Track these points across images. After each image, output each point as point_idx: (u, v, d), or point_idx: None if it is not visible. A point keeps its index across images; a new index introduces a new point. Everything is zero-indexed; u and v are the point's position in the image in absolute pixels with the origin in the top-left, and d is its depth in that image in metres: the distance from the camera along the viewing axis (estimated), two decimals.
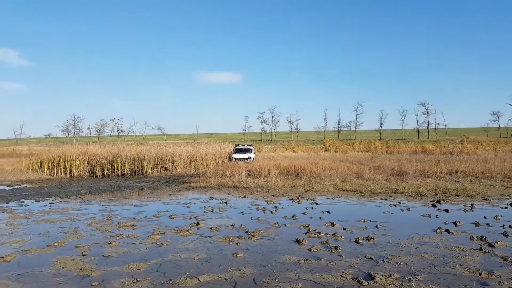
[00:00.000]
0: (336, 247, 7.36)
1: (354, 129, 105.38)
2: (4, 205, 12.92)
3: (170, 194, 15.33)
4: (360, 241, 7.85)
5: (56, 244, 7.82)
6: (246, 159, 28.51)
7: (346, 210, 11.58)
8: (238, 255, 6.98)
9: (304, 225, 9.31)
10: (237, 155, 28.97)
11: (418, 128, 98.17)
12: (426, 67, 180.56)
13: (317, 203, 12.55)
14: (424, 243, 7.74)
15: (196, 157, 27.05)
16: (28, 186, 19.00)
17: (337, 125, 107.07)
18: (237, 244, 7.80)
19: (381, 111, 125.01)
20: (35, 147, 62.97)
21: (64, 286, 5.56)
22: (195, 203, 12.99)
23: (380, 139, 68.92)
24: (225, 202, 12.98)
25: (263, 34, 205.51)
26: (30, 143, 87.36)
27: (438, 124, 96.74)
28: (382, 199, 13.47)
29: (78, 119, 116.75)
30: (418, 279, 5.69)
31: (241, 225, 9.39)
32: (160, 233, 8.70)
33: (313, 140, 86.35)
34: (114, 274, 6.06)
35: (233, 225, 9.46)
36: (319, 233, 8.52)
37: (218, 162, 27.43)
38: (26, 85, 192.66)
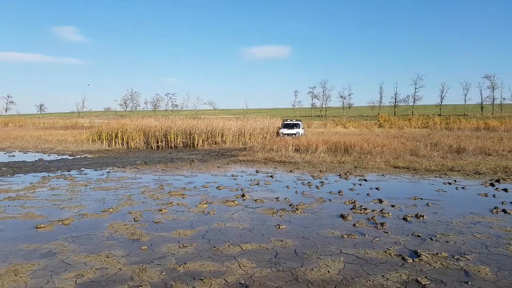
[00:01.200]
0: (382, 224, 7.14)
1: (412, 104, 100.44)
2: (66, 173, 13.98)
3: (218, 167, 15.69)
4: (408, 219, 7.54)
5: (111, 210, 8.34)
6: (294, 134, 27.90)
7: (396, 188, 11.15)
8: (280, 227, 7.01)
9: (350, 201, 9.11)
10: (285, 130, 28.54)
11: (481, 103, 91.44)
12: (493, 36, 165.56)
13: (365, 180, 12.21)
14: (477, 223, 7.27)
15: (244, 131, 27.31)
16: (88, 156, 20.36)
17: (394, 100, 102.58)
18: (280, 216, 7.83)
19: (442, 84, 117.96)
20: (95, 120, 67.01)
21: (115, 248, 5.93)
22: (241, 176, 13.19)
23: (439, 115, 65.12)
24: (271, 176, 13.03)
25: (313, 4, 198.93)
26: (91, 116, 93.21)
27: (504, 99, 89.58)
28: (436, 177, 12.79)
29: (135, 94, 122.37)
30: (467, 259, 5.37)
31: (285, 199, 9.40)
32: (208, 203, 8.97)
33: (367, 116, 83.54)
34: (162, 239, 6.36)
35: (277, 198, 9.49)
36: (366, 209, 8.30)
37: (265, 137, 27.51)
38: (86, 61, 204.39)
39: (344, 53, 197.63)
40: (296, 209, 8.33)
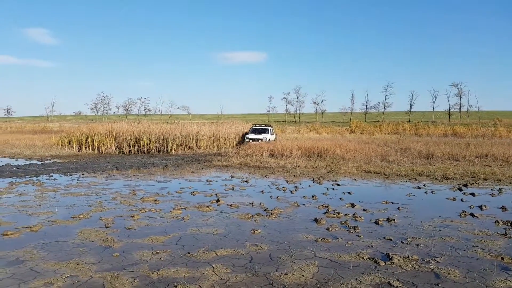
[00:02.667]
0: (355, 227, 7.29)
1: (382, 110, 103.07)
2: (34, 178, 13.49)
3: (193, 172, 15.56)
4: (380, 222, 7.74)
5: (81, 216, 8.12)
6: (261, 139, 25.96)
7: (368, 192, 11.41)
8: (255, 232, 7.03)
9: (324, 205, 9.25)
10: (252, 135, 26.67)
11: (449, 110, 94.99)
12: (460, 46, 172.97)
13: (338, 184, 12.43)
14: (446, 226, 7.55)
15: (219, 136, 27.22)
16: (57, 161, 19.72)
17: (365, 106, 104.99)
18: (255, 221, 7.86)
19: (412, 92, 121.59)
20: (65, 124, 65.10)
21: (86, 255, 5.77)
22: (216, 181, 13.14)
23: (409, 121, 67.07)
24: (246, 181, 13.05)
25: (288, 12, 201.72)
26: (60, 120, 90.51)
27: (471, 106, 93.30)
28: (406, 181, 13.19)
29: (107, 98, 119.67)
30: (437, 261, 5.57)
31: (260, 203, 9.44)
32: (182, 208, 8.88)
33: (339, 122, 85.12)
34: (135, 246, 6.25)
35: (252, 203, 9.52)
36: (339, 213, 8.45)
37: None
38: (57, 63, 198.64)
39: (318, 60, 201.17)
40: (271, 213, 8.38)
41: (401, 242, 6.52)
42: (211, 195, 10.61)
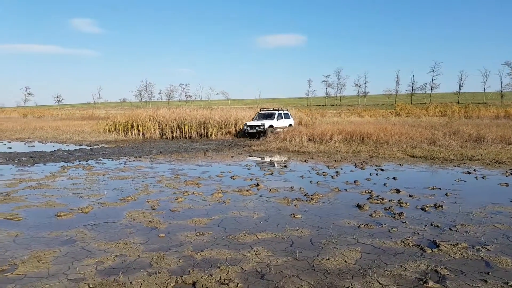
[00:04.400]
0: (399, 214, 7.06)
1: (429, 92, 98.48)
2: (84, 162, 14.23)
3: (232, 156, 15.74)
4: (426, 209, 7.44)
5: (129, 198, 8.47)
6: (258, 126, 22.83)
7: (414, 177, 11.00)
8: (296, 216, 7.01)
9: (367, 191, 9.03)
10: (251, 122, 23.70)
11: (502, 91, 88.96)
12: None
13: (382, 170, 12.07)
14: (498, 213, 7.12)
15: None
16: (105, 146, 20.67)
17: (410, 88, 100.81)
18: (295, 206, 7.83)
19: (461, 72, 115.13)
20: (111, 111, 67.90)
21: (134, 236, 6.03)
22: (255, 166, 13.20)
23: (458, 103, 63.74)
24: (285, 166, 13.01)
25: None
26: (107, 107, 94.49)
27: None
28: (455, 166, 12.56)
29: (150, 85, 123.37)
30: (488, 249, 5.28)
31: (300, 188, 9.38)
32: (222, 192, 9.02)
33: (383, 105, 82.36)
34: (179, 227, 6.43)
35: (292, 187, 9.48)
36: (383, 199, 8.22)
37: None
38: (102, 52, 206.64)
39: (360, 41, 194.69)
40: (311, 198, 8.31)
41: (449, 229, 6.24)
42: (251, 179, 10.68)
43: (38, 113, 65.75)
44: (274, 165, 13.32)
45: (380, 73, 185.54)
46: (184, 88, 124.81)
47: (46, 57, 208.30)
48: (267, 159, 14.84)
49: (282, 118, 24.63)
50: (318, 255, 5.18)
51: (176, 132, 26.44)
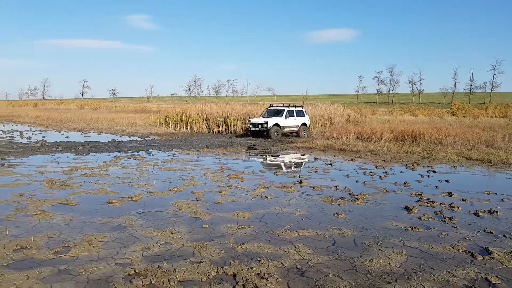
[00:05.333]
0: (450, 218, 6.68)
1: (489, 91, 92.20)
2: (136, 153, 14.89)
3: (276, 152, 15.72)
4: (480, 214, 6.98)
5: (175, 189, 8.74)
6: (261, 124, 20.23)
7: (468, 181, 10.36)
8: (339, 216, 6.86)
9: (417, 193, 8.63)
10: (255, 119, 21.30)
11: None
12: None
13: (434, 171, 11.49)
14: None
15: None
16: (155, 138, 21.48)
17: (469, 87, 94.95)
18: (339, 205, 7.66)
19: None
20: (162, 105, 70.38)
21: (179, 225, 6.21)
22: (299, 162, 13.09)
23: None
24: (330, 164, 12.77)
25: None
26: (158, 101, 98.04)
27: None
28: None
29: (199, 80, 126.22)
30: None
31: (345, 187, 9.16)
32: (265, 187, 9.04)
33: (438, 103, 78.30)
34: (222, 219, 6.54)
35: (336, 186, 9.28)
36: (433, 202, 7.82)
37: (325, 124, 26.90)
38: (156, 48, 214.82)
39: (415, 36, 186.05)
40: (357, 198, 8.09)
41: (504, 236, 5.81)
42: (294, 176, 10.61)
43: (94, 105, 69.74)
44: (319, 162, 13.12)
45: (436, 70, 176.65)
46: (231, 84, 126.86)
47: (103, 52, 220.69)
48: (312, 156, 14.66)
49: (293, 116, 21.49)
50: (361, 256, 5.04)
51: (222, 127, 26.86)
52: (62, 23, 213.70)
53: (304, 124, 22.18)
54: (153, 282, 4.24)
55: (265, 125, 20.24)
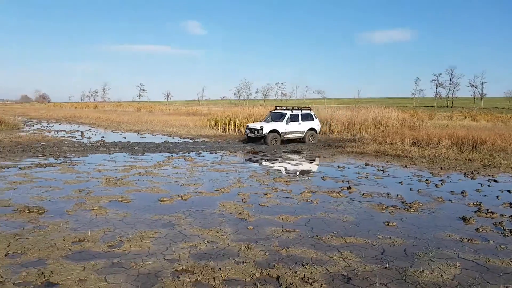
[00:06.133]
0: (511, 231, 6.18)
1: None
2: (186, 154, 15.37)
3: (324, 157, 15.48)
4: None
5: (222, 190, 8.91)
6: (257, 130, 18.52)
7: None
8: (390, 224, 6.60)
9: (475, 203, 8.09)
10: (253, 125, 19.66)
11: None
12: None
13: (496, 181, 10.69)
14: None
15: (355, 122, 26.24)
16: (205, 140, 22.04)
17: None
18: (390, 213, 7.37)
19: None
20: (213, 108, 71.98)
21: (225, 225, 6.33)
22: (348, 168, 12.78)
23: None
24: (382, 170, 12.33)
25: None
26: (209, 104, 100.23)
27: None
28: None
29: (248, 84, 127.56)
30: None
31: (397, 195, 8.80)
32: (311, 192, 8.93)
33: (503, 108, 72.75)
34: (267, 222, 6.56)
35: (388, 194, 8.94)
36: (493, 213, 7.28)
37: (378, 128, 26.02)
38: (207, 53, 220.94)
39: (477, 36, 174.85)
40: (410, 207, 7.74)
41: None
42: (342, 181, 10.37)
43: (149, 108, 72.94)
44: (370, 168, 12.72)
45: (501, 73, 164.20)
46: (280, 87, 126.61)
47: (159, 57, 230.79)
48: (363, 161, 14.25)
49: (298, 121, 19.46)
50: (411, 266, 4.82)
51: None
52: (122, 29, 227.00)
53: (312, 129, 20.07)
54: (199, 279, 4.35)
55: (260, 131, 18.37)
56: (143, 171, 11.25)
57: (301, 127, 19.58)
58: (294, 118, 19.41)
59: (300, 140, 19.97)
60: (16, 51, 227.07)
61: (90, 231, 5.88)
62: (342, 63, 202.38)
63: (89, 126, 32.55)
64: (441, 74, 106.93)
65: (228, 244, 5.47)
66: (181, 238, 5.68)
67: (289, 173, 11.51)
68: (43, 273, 4.36)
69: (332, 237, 5.86)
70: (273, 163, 13.62)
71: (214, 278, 4.36)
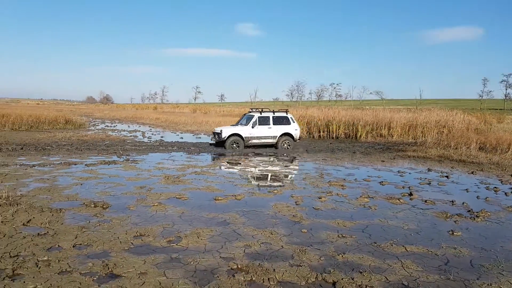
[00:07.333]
0: None
1: None
2: (236, 157, 15.57)
3: (383, 161, 14.89)
4: None
5: (275, 191, 8.89)
6: (218, 133, 17.01)
7: None
8: (454, 233, 6.17)
9: None
10: (218, 128, 18.14)
11: None
12: None
13: None
14: None
15: (416, 124, 24.98)
16: (299, 141, 21.92)
17: None
18: (455, 222, 6.90)
19: None
20: None
21: (278, 227, 6.29)
22: (409, 173, 12.16)
23: None
24: (446, 176, 11.59)
25: None
26: (261, 106, 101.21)
27: None
28: None
29: (301, 85, 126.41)
30: None
31: (463, 203, 8.21)
32: (369, 197, 8.61)
33: None
34: (322, 226, 6.42)
35: (453, 201, 8.37)
36: None
37: (442, 131, 24.54)
38: (260, 54, 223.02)
39: None
40: (476, 216, 7.19)
41: None
42: (403, 187, 9.88)
43: (204, 109, 75.06)
44: (433, 174, 12.03)
45: None
46: (334, 88, 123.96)
47: (213, 60, 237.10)
48: (425, 167, 13.51)
49: (268, 124, 17.29)
50: (477, 279, 4.47)
51: (323, 132, 26.48)
52: (179, 33, 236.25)
53: (286, 134, 17.64)
54: (253, 279, 4.35)
55: (220, 135, 16.86)
56: (199, 170, 11.56)
57: (271, 131, 17.36)
58: (263, 121, 17.27)
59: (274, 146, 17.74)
60: (82, 54, 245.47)
61: (150, 226, 6.13)
62: (402, 63, 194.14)
63: (149, 126, 34.18)
64: (511, 74, 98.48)
65: (282, 246, 5.42)
66: (235, 237, 5.73)
67: (344, 176, 11.20)
68: (107, 264, 4.60)
69: (392, 245, 5.59)
70: (327, 165, 13.34)
71: (268, 279, 4.34)
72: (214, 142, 17.72)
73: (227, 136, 16.79)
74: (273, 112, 18.01)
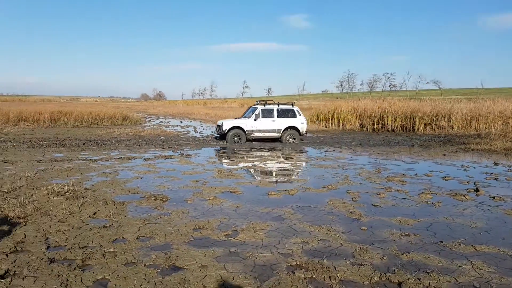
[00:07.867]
0: None
1: None
2: (288, 151, 15.46)
3: (444, 154, 14.07)
4: None
5: (329, 187, 8.68)
6: (219, 127, 16.93)
7: None
8: None
9: None
10: (221, 121, 17.73)
11: None
12: None
13: None
14: None
15: (479, 115, 23.36)
16: (308, 135, 21.89)
17: None
18: None
19: None
20: (313, 102, 71.34)
21: (336, 224, 6.12)
22: (474, 167, 11.38)
23: None
24: None
25: None
26: (309, 98, 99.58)
27: None
28: None
29: (352, 75, 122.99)
30: None
31: None
32: (432, 193, 8.14)
33: None
34: (382, 224, 6.17)
35: None
36: None
37: (507, 122, 22.74)
38: (309, 46, 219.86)
39: None
40: None
41: None
42: (468, 182, 9.26)
43: (252, 103, 75.54)
44: (500, 168, 11.16)
45: None
46: (388, 78, 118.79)
47: (261, 54, 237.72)
48: (490, 160, 12.58)
49: (272, 117, 16.83)
50: None
51: (378, 125, 25.59)
52: (226, 29, 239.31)
53: (292, 127, 17.07)
54: (314, 276, 4.26)
55: (221, 128, 16.56)
56: (250, 164, 11.61)
57: (275, 124, 16.90)
58: (266, 114, 16.90)
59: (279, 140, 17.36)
60: (137, 53, 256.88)
61: (208, 219, 6.23)
62: (461, 50, 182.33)
63: (200, 122, 35.03)
64: None
65: (341, 243, 5.27)
66: (292, 233, 5.66)
67: (403, 171, 10.70)
68: (169, 257, 4.73)
69: (460, 244, 5.24)
70: (384, 160, 12.84)
71: (330, 277, 4.22)
72: (218, 135, 17.52)
73: (227, 129, 16.44)
74: (278, 104, 17.42)
